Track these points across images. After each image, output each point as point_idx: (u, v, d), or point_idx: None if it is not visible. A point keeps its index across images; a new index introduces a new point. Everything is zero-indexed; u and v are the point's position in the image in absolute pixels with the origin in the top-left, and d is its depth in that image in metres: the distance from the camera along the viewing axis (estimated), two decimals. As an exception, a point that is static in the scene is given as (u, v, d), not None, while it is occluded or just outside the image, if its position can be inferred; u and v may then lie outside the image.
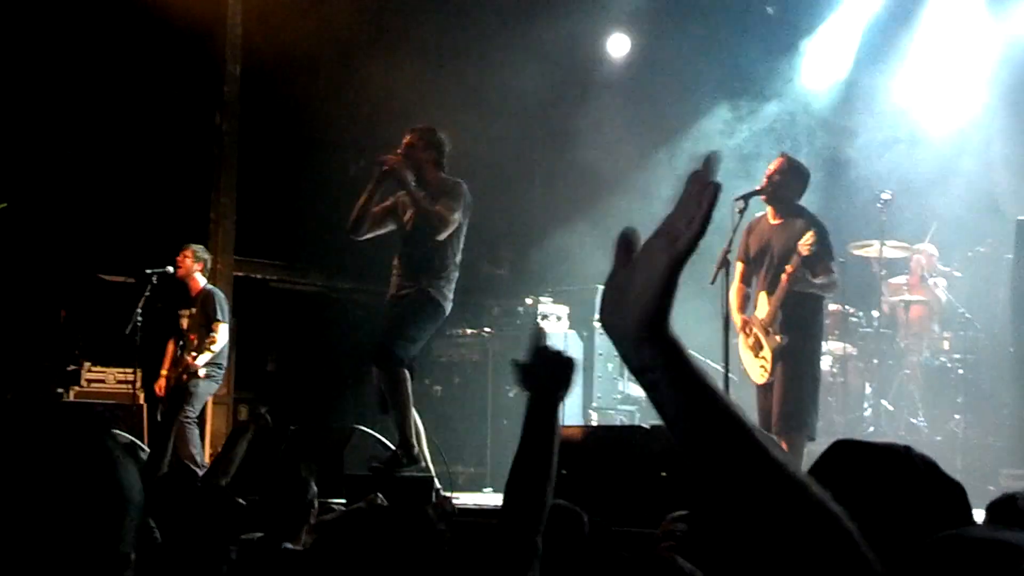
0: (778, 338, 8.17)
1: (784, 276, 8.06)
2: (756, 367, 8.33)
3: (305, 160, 13.62)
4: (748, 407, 8.90)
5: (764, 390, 8.31)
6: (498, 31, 13.51)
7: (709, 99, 13.43)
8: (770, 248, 8.33)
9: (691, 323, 11.53)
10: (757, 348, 8.31)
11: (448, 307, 8.31)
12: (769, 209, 8.42)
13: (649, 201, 13.11)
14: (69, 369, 11.26)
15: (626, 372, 12.08)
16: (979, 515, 6.83)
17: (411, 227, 8.28)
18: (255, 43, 12.77)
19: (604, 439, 7.92)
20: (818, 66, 13.16)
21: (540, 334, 3.02)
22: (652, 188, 13.16)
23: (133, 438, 9.36)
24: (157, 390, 10.49)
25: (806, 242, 7.98)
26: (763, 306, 8.30)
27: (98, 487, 1.40)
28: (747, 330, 8.32)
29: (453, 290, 8.34)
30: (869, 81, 12.62)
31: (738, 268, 8.42)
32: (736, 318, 8.35)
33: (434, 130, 8.43)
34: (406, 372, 8.08)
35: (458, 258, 8.36)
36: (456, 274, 8.34)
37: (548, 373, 3.01)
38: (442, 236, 8.10)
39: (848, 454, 1.95)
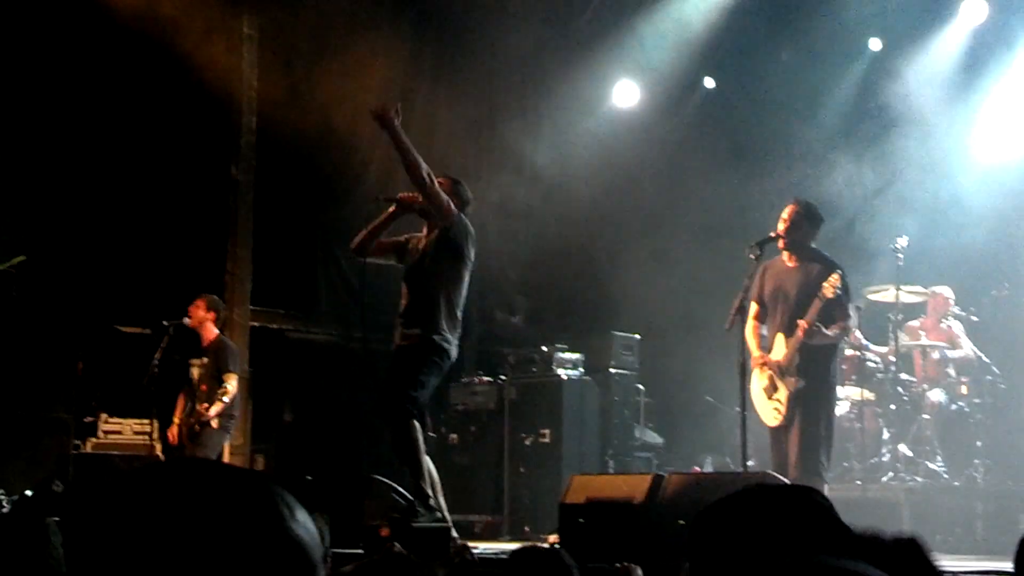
0: (794, 381, 8.18)
1: (800, 329, 8.10)
2: (769, 409, 8.34)
3: (321, 210, 13.68)
4: (762, 450, 8.92)
5: (777, 432, 8.33)
6: (512, 81, 13.59)
7: (715, 150, 13.48)
8: (785, 290, 8.38)
9: (709, 369, 11.57)
10: (771, 390, 8.32)
11: (454, 353, 8.28)
12: (784, 252, 8.47)
13: (662, 248, 13.15)
14: (86, 421, 11.28)
15: (643, 418, 12.08)
16: (990, 562, 6.79)
17: (413, 272, 8.29)
18: (270, 94, 12.86)
19: (622, 486, 7.89)
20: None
21: None
22: (666, 235, 13.21)
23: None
24: (170, 438, 10.52)
25: (831, 284, 8.04)
26: (780, 348, 8.32)
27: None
28: (764, 367, 8.34)
29: (458, 336, 8.33)
30: (881, 122, 12.66)
31: (752, 308, 8.45)
32: (755, 351, 8.38)
33: (457, 181, 8.50)
34: (416, 424, 8.05)
35: (461, 303, 8.34)
36: (459, 319, 8.32)
37: None
38: (422, 175, 7.96)
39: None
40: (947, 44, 12.49)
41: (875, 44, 12.99)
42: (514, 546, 8.61)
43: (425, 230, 8.42)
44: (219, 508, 1.40)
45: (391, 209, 8.38)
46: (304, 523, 1.44)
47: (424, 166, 7.97)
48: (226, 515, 1.39)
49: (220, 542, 1.37)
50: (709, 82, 13.98)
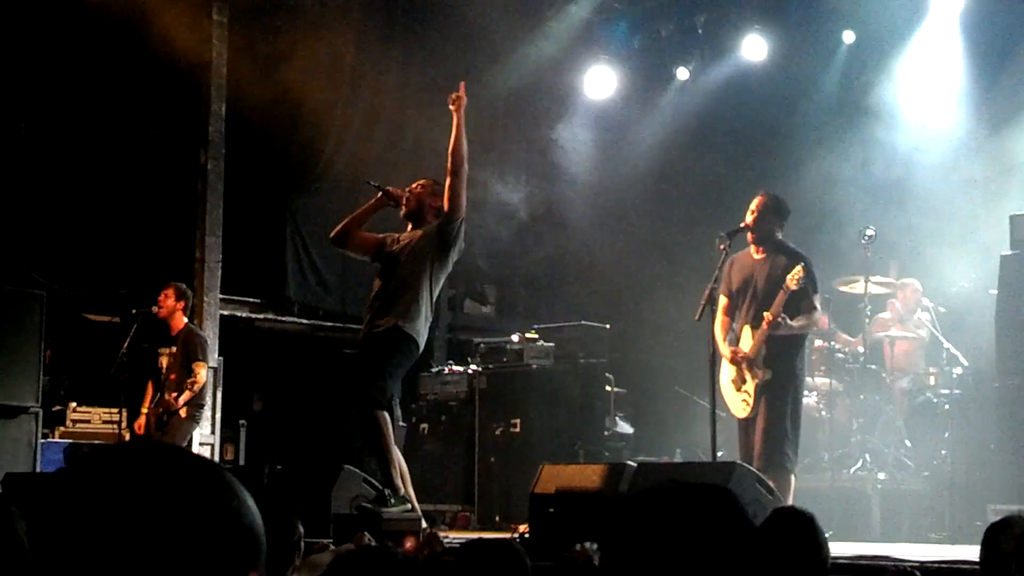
0: (761, 373, 8.20)
1: (765, 321, 8.12)
2: (738, 401, 8.36)
3: (291, 198, 13.63)
4: (732, 441, 8.93)
5: (745, 424, 8.35)
6: (486, 70, 13.55)
7: (688, 142, 13.49)
8: (753, 282, 8.40)
9: (679, 359, 11.57)
10: (740, 382, 8.33)
11: (422, 343, 8.28)
12: (752, 245, 8.49)
13: (633, 238, 13.18)
14: (55, 409, 11.21)
15: (613, 408, 12.09)
16: (958, 550, 6.83)
17: (390, 264, 8.27)
18: (240, 81, 12.79)
19: (592, 476, 7.89)
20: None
21: None
22: (637, 225, 13.23)
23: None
24: (137, 428, 10.46)
25: (795, 276, 8.05)
26: (747, 340, 8.33)
27: None
28: (737, 362, 8.35)
29: (427, 327, 8.32)
30: (854, 118, 12.70)
31: (721, 302, 8.47)
32: (725, 350, 8.39)
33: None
34: (385, 414, 8.03)
35: (434, 296, 8.33)
36: (430, 311, 8.31)
37: None
38: (460, 169, 8.11)
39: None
40: (921, 38, 12.54)
41: (849, 37, 13.01)
42: (485, 536, 8.59)
43: (410, 226, 8.40)
44: (171, 491, 1.42)
45: (376, 198, 8.39)
46: (252, 508, 1.47)
47: (467, 159, 8.17)
48: (178, 497, 1.42)
49: (172, 523, 1.40)
50: (683, 73, 13.95)
